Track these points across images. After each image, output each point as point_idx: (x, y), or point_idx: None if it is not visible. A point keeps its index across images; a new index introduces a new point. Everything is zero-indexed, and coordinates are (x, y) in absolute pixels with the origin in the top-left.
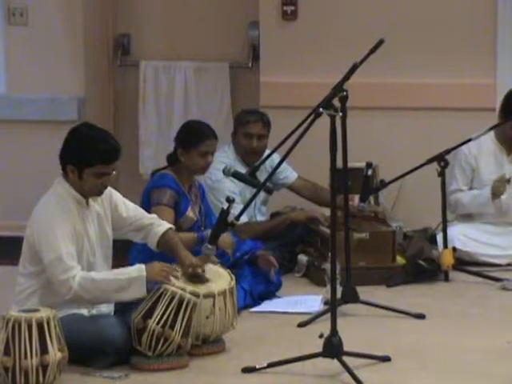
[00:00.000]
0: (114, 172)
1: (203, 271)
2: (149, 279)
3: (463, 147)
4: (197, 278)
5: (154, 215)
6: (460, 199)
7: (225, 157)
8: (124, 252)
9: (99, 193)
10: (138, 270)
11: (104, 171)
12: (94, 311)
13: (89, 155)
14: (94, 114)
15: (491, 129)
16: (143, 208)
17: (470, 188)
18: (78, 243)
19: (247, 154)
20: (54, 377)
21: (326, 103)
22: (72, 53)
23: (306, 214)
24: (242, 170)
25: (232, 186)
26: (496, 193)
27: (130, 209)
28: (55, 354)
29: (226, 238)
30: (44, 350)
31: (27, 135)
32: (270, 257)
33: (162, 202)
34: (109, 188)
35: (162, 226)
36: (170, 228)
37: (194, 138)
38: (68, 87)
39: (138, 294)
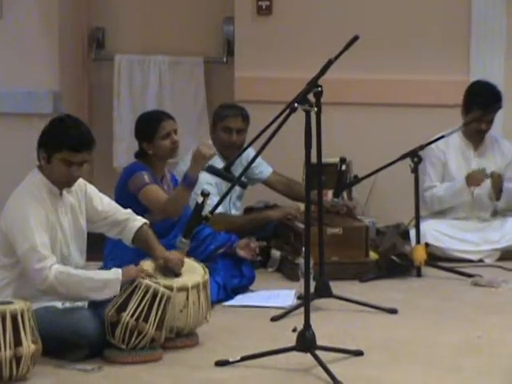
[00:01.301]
0: (86, 165)
1: (180, 267)
2: (124, 282)
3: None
4: (171, 271)
5: (129, 210)
6: (435, 193)
7: None
8: (99, 246)
9: (68, 183)
10: (114, 273)
11: (72, 159)
12: (68, 304)
13: (57, 139)
14: (69, 107)
15: (465, 125)
16: (118, 201)
17: None
18: (52, 233)
19: (226, 148)
20: (28, 369)
21: (301, 98)
22: (47, 47)
23: (282, 211)
24: (220, 163)
25: (208, 177)
26: (473, 181)
27: (104, 203)
28: (29, 346)
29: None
30: (18, 342)
31: (2, 129)
32: (251, 243)
33: (146, 183)
34: (84, 181)
35: (137, 221)
36: (145, 223)
37: (150, 125)
38: (43, 81)
39: (111, 295)
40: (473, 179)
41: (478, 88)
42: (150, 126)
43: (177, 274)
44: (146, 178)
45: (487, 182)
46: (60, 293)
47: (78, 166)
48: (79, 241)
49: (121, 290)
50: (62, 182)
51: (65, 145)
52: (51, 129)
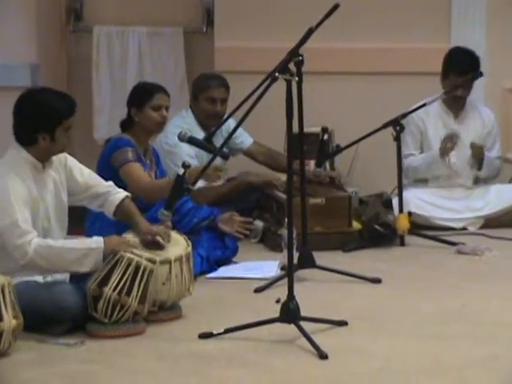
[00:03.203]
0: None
1: (167, 240)
2: (106, 252)
3: None
4: (153, 244)
5: (110, 183)
6: (411, 163)
7: (182, 122)
8: (80, 219)
9: (66, 148)
10: (96, 241)
11: (69, 125)
12: (49, 278)
13: (56, 115)
14: (47, 80)
15: (446, 93)
16: (100, 174)
17: (421, 152)
18: (34, 208)
19: (209, 118)
20: (9, 344)
21: (282, 68)
22: (24, 19)
23: (263, 178)
24: (201, 134)
25: (189, 150)
26: (444, 150)
27: (85, 174)
28: (10, 321)
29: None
30: None
31: None
32: (233, 216)
33: (128, 160)
34: (64, 153)
35: (119, 193)
36: (127, 196)
37: (145, 93)
38: (21, 54)
39: (94, 266)
40: (442, 147)
41: (456, 54)
42: (144, 93)
43: (159, 247)
44: (130, 154)
45: (466, 151)
46: (41, 266)
47: (71, 128)
48: (60, 214)
49: (104, 261)
50: (63, 149)
51: (64, 116)
52: (39, 110)
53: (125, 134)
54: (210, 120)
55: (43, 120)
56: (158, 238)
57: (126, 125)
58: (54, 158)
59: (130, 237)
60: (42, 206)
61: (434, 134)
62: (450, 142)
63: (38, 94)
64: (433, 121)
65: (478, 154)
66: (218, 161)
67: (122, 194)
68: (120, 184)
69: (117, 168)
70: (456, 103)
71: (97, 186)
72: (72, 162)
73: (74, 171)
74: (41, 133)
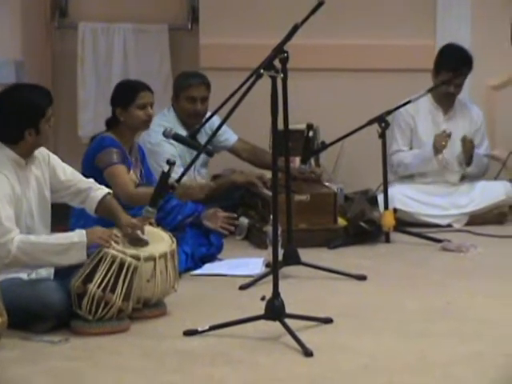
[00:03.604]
0: None
1: (143, 232)
2: (89, 243)
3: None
4: (137, 241)
5: (91, 180)
6: (402, 159)
7: (165, 120)
8: (63, 216)
9: (49, 138)
10: (78, 234)
11: (51, 114)
12: (34, 275)
13: (37, 108)
14: (32, 77)
15: (430, 90)
16: (84, 173)
17: (410, 148)
18: (17, 206)
19: (190, 117)
20: None
21: (267, 64)
22: (9, 15)
23: (246, 177)
24: (183, 132)
25: (171, 149)
26: (438, 147)
27: (67, 172)
28: None
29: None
30: None
31: None
32: (217, 213)
33: (113, 162)
34: (47, 151)
35: (100, 190)
36: (109, 193)
37: (128, 93)
38: (5, 50)
39: (77, 259)
40: (437, 144)
41: (449, 51)
42: (128, 92)
43: (144, 244)
44: (115, 156)
45: (455, 147)
46: (24, 262)
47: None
48: (44, 212)
49: (87, 256)
50: (48, 140)
51: (46, 106)
52: (21, 107)
53: (110, 132)
54: (191, 119)
55: (27, 116)
56: (138, 232)
57: (111, 123)
58: (37, 154)
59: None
60: (25, 204)
61: (424, 131)
62: (443, 138)
63: (13, 92)
64: (423, 117)
65: (468, 149)
66: (202, 157)
67: (103, 190)
68: (105, 183)
69: (101, 169)
70: (447, 100)
71: (78, 183)
72: (55, 160)
73: (57, 169)
74: (26, 129)
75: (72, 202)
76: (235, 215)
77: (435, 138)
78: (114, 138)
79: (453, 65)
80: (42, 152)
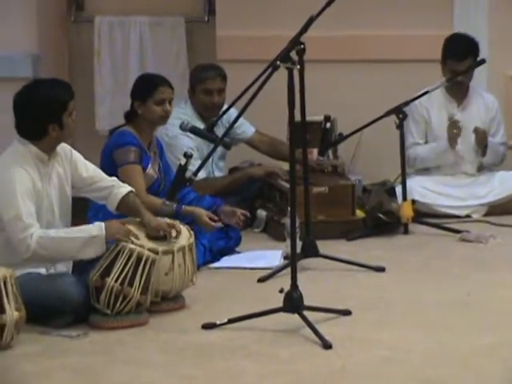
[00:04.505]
0: None
1: (170, 235)
2: (108, 237)
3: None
4: (156, 233)
5: (113, 178)
6: (418, 153)
7: (182, 113)
8: (83, 210)
9: (73, 132)
10: (97, 228)
11: (73, 107)
12: (52, 270)
13: (59, 102)
14: (48, 71)
15: (448, 81)
16: (103, 168)
17: (426, 142)
18: (38, 201)
19: (207, 110)
20: (12, 337)
21: (284, 56)
22: (26, 10)
23: (265, 169)
24: (200, 125)
25: (189, 142)
26: (451, 136)
27: (89, 169)
28: (12, 313)
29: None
30: (1, 309)
31: None
32: (234, 210)
33: (129, 161)
34: (69, 148)
35: (123, 188)
36: (131, 191)
37: (148, 87)
38: (22, 44)
39: (97, 253)
40: (451, 135)
41: (453, 39)
42: (147, 86)
43: (162, 237)
44: (132, 155)
45: (471, 137)
46: (44, 257)
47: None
48: (64, 207)
49: (106, 250)
50: (71, 133)
51: (67, 100)
52: (44, 103)
53: (128, 125)
54: (209, 111)
55: (50, 112)
56: (172, 232)
57: (129, 116)
58: (60, 150)
59: (131, 228)
60: (46, 199)
61: (439, 123)
62: (455, 128)
63: (34, 88)
64: (436, 110)
65: (481, 139)
66: (219, 150)
67: (126, 188)
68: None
69: (117, 166)
70: (458, 90)
71: (100, 181)
72: (77, 156)
73: (79, 166)
74: (50, 124)
75: (94, 198)
76: (249, 215)
77: (448, 129)
78: (133, 132)
79: (457, 53)
80: (64, 148)
